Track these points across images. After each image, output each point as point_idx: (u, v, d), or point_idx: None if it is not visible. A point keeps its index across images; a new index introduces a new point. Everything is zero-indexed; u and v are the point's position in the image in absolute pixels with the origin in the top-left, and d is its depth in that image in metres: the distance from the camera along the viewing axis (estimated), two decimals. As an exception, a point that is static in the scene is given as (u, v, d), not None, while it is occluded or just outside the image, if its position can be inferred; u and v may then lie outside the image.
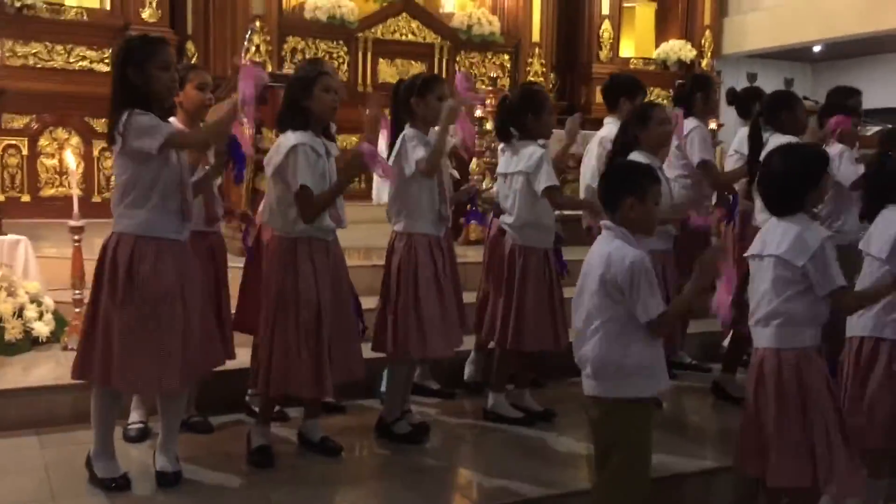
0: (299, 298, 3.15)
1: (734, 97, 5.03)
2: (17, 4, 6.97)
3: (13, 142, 7.13)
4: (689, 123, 4.47)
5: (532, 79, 9.15)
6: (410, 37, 8.84)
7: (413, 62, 8.87)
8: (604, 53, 9.75)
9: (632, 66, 9.88)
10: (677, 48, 10.06)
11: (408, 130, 3.59)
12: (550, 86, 9.46)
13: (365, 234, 4.82)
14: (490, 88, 6.55)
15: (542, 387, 4.47)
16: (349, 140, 7.24)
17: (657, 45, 10.24)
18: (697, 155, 4.45)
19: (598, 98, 9.33)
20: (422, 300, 3.51)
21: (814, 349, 2.68)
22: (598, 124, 5.22)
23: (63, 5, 7.40)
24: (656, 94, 9.84)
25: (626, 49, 10.17)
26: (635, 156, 3.78)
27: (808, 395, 2.62)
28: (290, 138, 3.15)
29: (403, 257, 3.56)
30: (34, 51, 7.22)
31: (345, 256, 3.47)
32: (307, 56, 8.30)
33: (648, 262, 2.51)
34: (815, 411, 2.62)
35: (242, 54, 7.63)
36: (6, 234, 4.57)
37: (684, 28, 10.32)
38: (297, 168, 3.09)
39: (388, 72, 8.72)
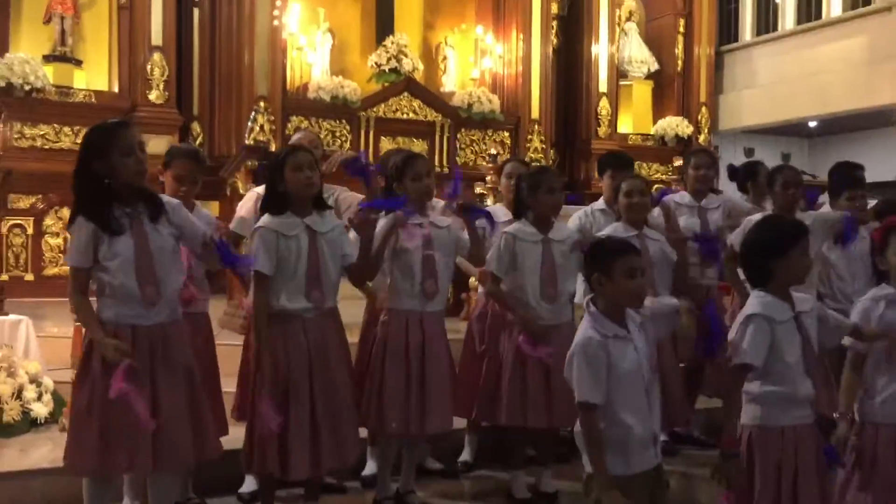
0: (266, 377, 3.10)
1: (734, 172, 5.11)
2: (27, 88, 7.13)
3: (19, 221, 7.21)
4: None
5: (532, 155, 9.30)
6: (412, 115, 9.01)
7: (415, 140, 9.03)
8: (602, 130, 9.91)
9: (630, 142, 10.03)
10: (674, 124, 10.23)
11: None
12: (550, 161, 9.58)
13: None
14: (490, 165, 6.64)
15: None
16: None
17: (654, 122, 10.42)
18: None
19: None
20: (386, 376, 3.47)
21: (795, 427, 2.63)
22: (595, 198, 5.27)
23: (72, 88, 7.57)
24: (654, 169, 9.97)
25: (625, 125, 10.34)
26: (615, 228, 3.86)
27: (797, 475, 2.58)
28: (259, 222, 3.21)
29: (374, 331, 3.56)
30: (42, 132, 7.36)
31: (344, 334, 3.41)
32: (310, 135, 8.45)
33: (594, 346, 2.49)
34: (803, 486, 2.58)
35: (247, 134, 7.81)
36: (8, 314, 4.58)
37: (681, 104, 10.51)
38: (254, 253, 3.13)
39: (390, 149, 8.84)
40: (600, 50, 9.90)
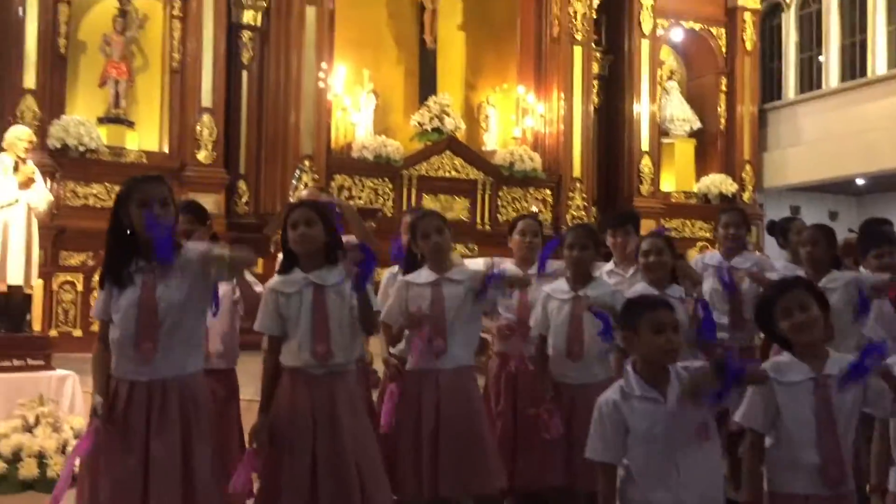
0: (255, 434, 2.99)
1: (772, 228, 5.04)
2: (81, 149, 7.35)
3: (69, 278, 7.37)
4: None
5: (574, 213, 9.29)
6: (454, 173, 9.09)
7: (457, 197, 9.09)
8: (645, 188, 9.88)
9: (673, 200, 9.99)
10: (718, 182, 10.16)
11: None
12: (592, 219, 9.56)
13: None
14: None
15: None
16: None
17: (697, 179, 10.36)
18: None
19: (642, 231, 9.42)
20: (399, 436, 3.35)
21: (807, 497, 2.49)
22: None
23: (124, 148, 7.79)
24: (698, 227, 9.88)
25: (667, 183, 10.30)
26: (640, 289, 3.80)
27: None
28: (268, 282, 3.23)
29: (387, 389, 3.51)
30: (94, 191, 7.57)
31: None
32: (354, 193, 8.57)
33: (609, 405, 2.44)
34: None
35: (291, 192, 7.92)
36: (55, 369, 4.64)
37: (724, 162, 10.46)
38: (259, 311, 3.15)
39: (432, 207, 8.91)
40: (642, 108, 9.94)
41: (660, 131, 10.20)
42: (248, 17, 8.52)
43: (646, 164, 9.92)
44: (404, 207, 8.78)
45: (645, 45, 9.95)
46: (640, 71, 9.94)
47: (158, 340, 2.77)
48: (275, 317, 3.08)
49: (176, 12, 8.07)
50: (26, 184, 4.79)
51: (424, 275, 3.47)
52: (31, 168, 4.89)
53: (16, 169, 4.80)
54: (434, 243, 3.44)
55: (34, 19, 7.34)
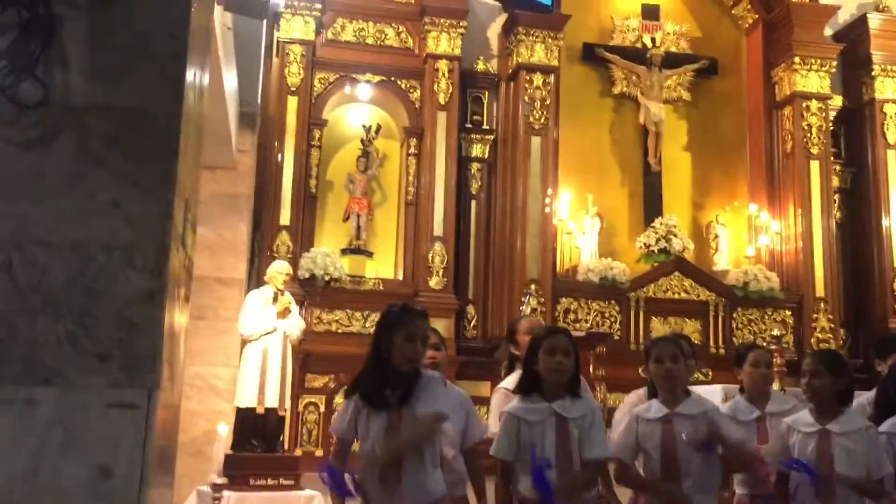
0: None
1: None
2: (327, 278, 7.95)
3: (313, 400, 7.83)
4: None
5: (819, 335, 8.63)
6: (683, 295, 8.81)
7: (687, 320, 8.78)
8: (901, 308, 9.01)
9: (934, 321, 8.98)
10: None
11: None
12: (840, 342, 8.82)
13: None
14: (775, 347, 6.22)
15: None
16: (618, 399, 7.07)
17: (963, 297, 9.28)
18: None
19: (900, 356, 8.54)
20: None
21: None
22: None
23: (363, 277, 8.33)
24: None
25: (927, 302, 9.31)
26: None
27: None
28: (507, 405, 3.17)
29: None
30: (337, 318, 8.10)
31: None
32: (580, 316, 8.53)
33: None
34: None
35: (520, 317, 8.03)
36: (304, 489, 4.88)
37: None
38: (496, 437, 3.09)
39: (661, 329, 8.66)
40: (891, 223, 9.18)
41: (914, 246, 9.34)
42: (477, 150, 8.98)
43: (900, 282, 9.08)
44: (631, 331, 8.61)
45: (892, 155, 9.29)
46: (887, 183, 9.25)
47: (402, 474, 2.87)
48: (513, 443, 3.09)
49: (412, 150, 8.69)
50: (283, 313, 5.25)
51: (655, 408, 3.31)
52: (288, 299, 5.36)
53: (275, 299, 5.29)
54: (666, 369, 3.31)
55: (290, 164, 8.20)
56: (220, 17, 4.51)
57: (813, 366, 3.40)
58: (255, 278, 7.62)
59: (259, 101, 7.72)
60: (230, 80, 5.64)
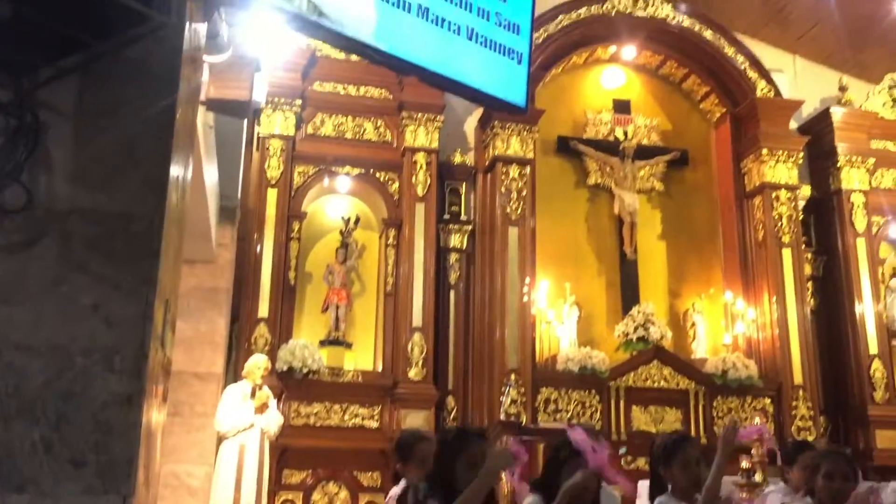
0: None
1: None
2: (305, 370, 7.87)
3: (290, 496, 7.64)
4: None
5: (799, 423, 8.63)
6: (663, 384, 8.80)
7: (668, 408, 8.74)
8: (878, 395, 9.04)
9: (914, 408, 9.01)
10: (966, 385, 9.11)
11: (660, 498, 3.31)
12: (821, 430, 8.81)
13: None
14: (756, 438, 6.19)
15: None
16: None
17: (941, 382, 9.34)
18: None
19: (881, 443, 8.53)
20: None
21: None
22: (884, 472, 4.70)
23: (342, 369, 8.26)
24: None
25: (905, 389, 9.36)
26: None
27: None
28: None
29: None
30: (315, 411, 7.98)
31: None
32: (560, 406, 8.48)
33: None
34: None
35: (501, 408, 7.98)
36: None
37: (970, 362, 9.42)
38: None
39: (642, 419, 8.64)
40: (865, 310, 9.31)
41: (889, 333, 9.43)
42: (455, 240, 9.07)
43: (877, 368, 9.13)
44: (612, 420, 8.55)
45: (861, 244, 9.49)
46: (858, 271, 9.41)
47: None
48: None
49: (391, 241, 8.76)
50: (261, 409, 5.18)
51: None
52: (266, 393, 5.31)
53: (253, 394, 5.23)
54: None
55: (269, 256, 8.23)
56: (203, 117, 4.61)
57: (844, 468, 3.24)
58: (233, 372, 7.54)
59: (239, 194, 7.80)
60: (211, 175, 5.71)
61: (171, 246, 2.61)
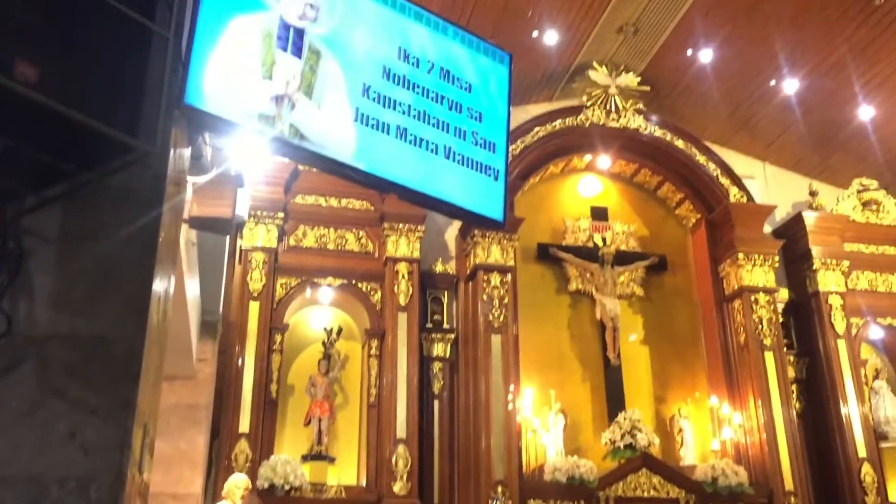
0: None
1: None
2: (287, 487, 7.67)
3: None
4: None
5: (793, 532, 8.46)
6: (653, 492, 8.64)
7: (659, 520, 8.55)
8: (870, 499, 8.90)
9: (907, 510, 8.87)
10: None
11: None
12: (815, 537, 8.63)
13: None
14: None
15: None
16: None
17: (933, 485, 9.23)
18: None
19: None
20: None
21: None
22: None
23: (325, 484, 8.06)
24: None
25: (896, 491, 9.24)
26: None
27: None
28: None
29: None
30: (298, 526, 7.74)
31: None
32: (546, 518, 8.29)
33: None
34: None
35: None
36: None
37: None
38: None
39: (635, 531, 8.44)
40: (850, 412, 9.27)
41: (877, 435, 9.37)
42: (439, 349, 9.04)
43: (867, 472, 9.01)
44: (603, 532, 8.34)
45: (842, 345, 9.54)
46: (841, 373, 9.42)
47: None
48: None
49: (373, 352, 8.71)
50: (240, 531, 5.02)
51: None
52: (245, 515, 5.15)
53: (232, 515, 5.08)
54: None
55: (251, 369, 8.14)
56: (186, 234, 4.66)
57: None
58: (212, 492, 7.33)
59: (221, 308, 7.79)
60: (193, 291, 5.72)
61: (151, 367, 2.60)
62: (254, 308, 8.42)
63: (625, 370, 9.63)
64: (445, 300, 9.34)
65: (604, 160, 10.35)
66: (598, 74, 10.11)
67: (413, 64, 3.40)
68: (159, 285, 2.69)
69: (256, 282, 8.52)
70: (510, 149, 9.55)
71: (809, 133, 10.26)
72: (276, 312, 8.59)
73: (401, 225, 9.00)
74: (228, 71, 2.85)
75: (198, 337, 6.84)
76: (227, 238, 7.62)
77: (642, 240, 10.43)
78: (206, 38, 2.77)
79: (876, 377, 9.85)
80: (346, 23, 3.24)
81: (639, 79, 10.13)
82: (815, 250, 9.94)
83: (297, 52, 3.08)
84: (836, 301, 9.76)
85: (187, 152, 3.13)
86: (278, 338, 8.54)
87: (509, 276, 9.16)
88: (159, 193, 2.57)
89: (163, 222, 2.64)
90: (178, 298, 4.60)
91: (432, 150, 3.38)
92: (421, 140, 3.36)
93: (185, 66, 2.67)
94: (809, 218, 10.07)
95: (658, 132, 10.19)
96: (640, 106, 10.17)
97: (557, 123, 10.00)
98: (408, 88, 3.36)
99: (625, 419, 9.02)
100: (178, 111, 2.70)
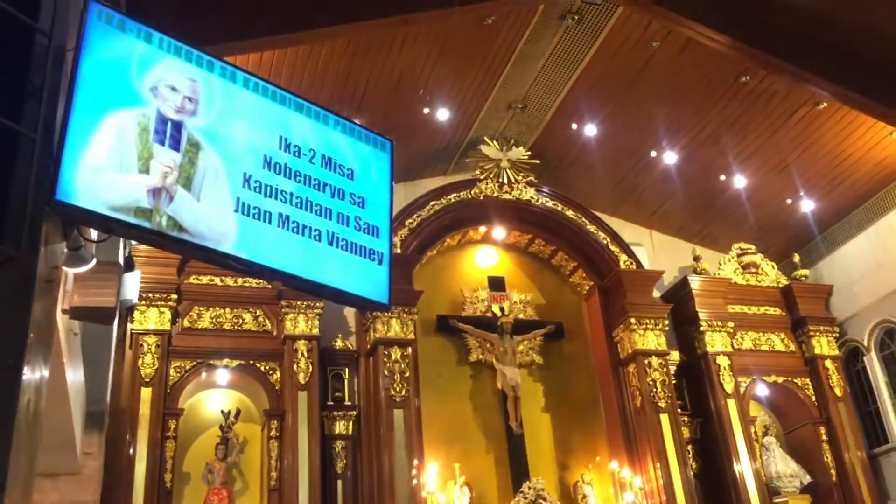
0: None
1: None
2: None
3: None
4: None
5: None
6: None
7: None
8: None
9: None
10: (847, 537, 9.34)
11: None
12: None
13: None
14: None
15: None
16: None
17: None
18: None
19: None
20: None
21: None
22: None
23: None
24: None
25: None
26: None
27: None
28: None
29: None
30: None
31: None
32: None
33: None
34: None
35: None
36: None
37: (847, 514, 9.72)
38: None
39: None
40: (743, 468, 9.57)
41: (769, 490, 9.68)
42: (340, 427, 8.91)
43: None
44: None
45: (731, 404, 9.89)
46: (732, 431, 9.74)
47: None
48: None
49: (273, 433, 8.52)
50: None
51: None
52: None
53: None
54: None
55: (143, 458, 7.82)
56: (67, 324, 4.51)
57: None
58: None
59: (108, 396, 7.48)
60: (76, 383, 5.50)
61: (19, 475, 2.50)
62: (146, 394, 8.14)
63: (527, 438, 9.71)
64: (346, 376, 9.25)
65: (499, 231, 10.60)
66: (490, 149, 10.43)
67: (294, 153, 3.46)
68: (29, 385, 2.61)
69: (148, 366, 8.25)
70: (407, 223, 9.71)
71: (689, 201, 10.79)
72: (170, 397, 8.32)
73: (299, 302, 8.93)
74: (102, 166, 2.84)
75: (83, 429, 6.53)
76: (115, 325, 7.39)
77: (539, 308, 10.65)
78: (79, 135, 2.76)
79: (765, 433, 10.22)
80: (225, 115, 3.28)
81: (529, 152, 10.49)
82: (702, 313, 10.35)
83: (176, 145, 3.09)
84: (723, 361, 10.15)
85: (61, 247, 3.07)
86: (172, 424, 8.25)
87: (410, 350, 9.17)
88: (27, 293, 2.51)
89: (32, 321, 2.58)
90: (57, 392, 4.42)
91: (315, 237, 3.42)
92: (304, 227, 3.40)
93: (57, 163, 2.65)
94: (695, 282, 10.51)
95: (549, 203, 10.53)
96: (532, 178, 10.51)
97: (452, 197, 10.21)
98: (289, 177, 3.42)
99: (529, 489, 9.05)
100: (49, 208, 2.67)
